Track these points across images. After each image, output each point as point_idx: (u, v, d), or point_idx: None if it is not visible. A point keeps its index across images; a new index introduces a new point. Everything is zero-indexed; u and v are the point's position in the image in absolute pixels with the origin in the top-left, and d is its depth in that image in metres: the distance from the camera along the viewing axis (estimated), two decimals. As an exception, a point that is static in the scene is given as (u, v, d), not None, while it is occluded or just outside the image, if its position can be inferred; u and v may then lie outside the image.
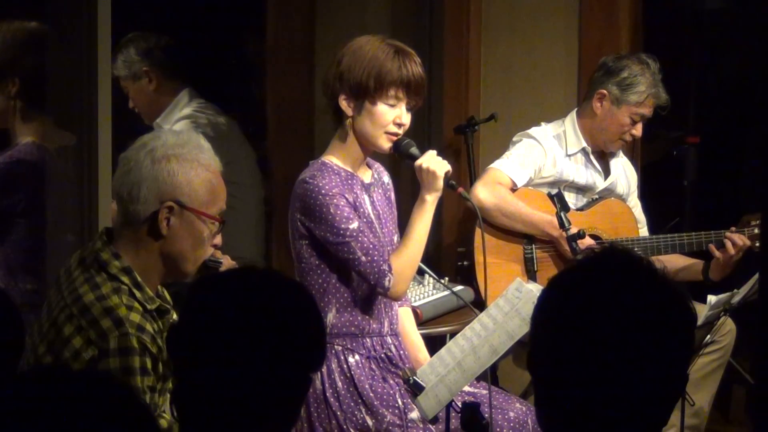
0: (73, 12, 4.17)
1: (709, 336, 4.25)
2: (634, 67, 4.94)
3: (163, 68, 5.42)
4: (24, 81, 4.21)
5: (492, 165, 4.96)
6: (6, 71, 4.21)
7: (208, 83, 5.69)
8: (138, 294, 3.15)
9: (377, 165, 4.09)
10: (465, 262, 4.96)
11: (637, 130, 4.98)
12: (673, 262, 4.99)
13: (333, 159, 3.92)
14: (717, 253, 4.84)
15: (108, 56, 4.24)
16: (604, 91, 4.94)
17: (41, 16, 4.25)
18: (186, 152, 3.18)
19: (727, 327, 4.87)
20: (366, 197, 3.93)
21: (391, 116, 3.86)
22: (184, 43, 5.66)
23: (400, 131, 3.89)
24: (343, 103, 3.88)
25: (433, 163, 3.88)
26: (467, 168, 5.38)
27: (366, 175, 3.98)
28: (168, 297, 3.33)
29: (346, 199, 3.84)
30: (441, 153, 3.97)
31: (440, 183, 3.88)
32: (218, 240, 3.28)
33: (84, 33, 4.14)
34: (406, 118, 3.89)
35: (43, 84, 4.20)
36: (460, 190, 3.95)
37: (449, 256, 5.38)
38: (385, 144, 3.89)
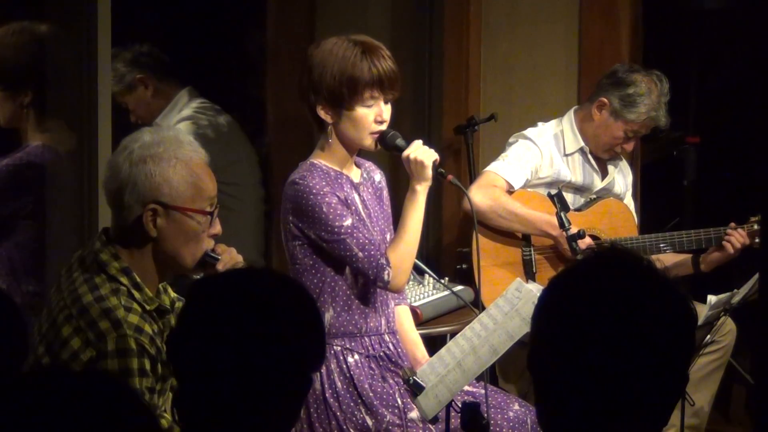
0: (73, 12, 4.17)
1: (709, 336, 4.24)
2: (642, 86, 4.88)
3: (155, 71, 5.40)
4: (37, 91, 4.19)
5: (487, 168, 4.95)
6: (19, 82, 4.18)
7: (208, 83, 5.68)
8: (137, 295, 3.15)
9: (368, 164, 4.08)
10: (464, 266, 4.94)
11: (629, 146, 4.98)
12: (663, 260, 4.97)
13: (321, 160, 3.90)
14: (729, 248, 4.82)
15: (108, 56, 4.23)
16: (606, 101, 4.92)
17: (41, 16, 4.24)
18: (162, 151, 3.15)
19: (727, 327, 4.87)
20: (356, 195, 3.92)
21: (372, 116, 3.85)
22: (184, 42, 5.65)
23: (383, 127, 3.88)
24: (322, 113, 3.86)
25: (421, 153, 3.86)
26: (467, 168, 5.38)
27: (355, 174, 3.97)
28: (172, 294, 3.32)
29: (338, 197, 3.83)
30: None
31: (429, 172, 3.85)
32: (217, 229, 3.25)
33: (84, 33, 4.14)
34: (387, 113, 3.88)
35: (54, 90, 4.19)
36: (450, 177, 3.94)
37: (449, 256, 5.37)
38: (370, 143, 3.89)
